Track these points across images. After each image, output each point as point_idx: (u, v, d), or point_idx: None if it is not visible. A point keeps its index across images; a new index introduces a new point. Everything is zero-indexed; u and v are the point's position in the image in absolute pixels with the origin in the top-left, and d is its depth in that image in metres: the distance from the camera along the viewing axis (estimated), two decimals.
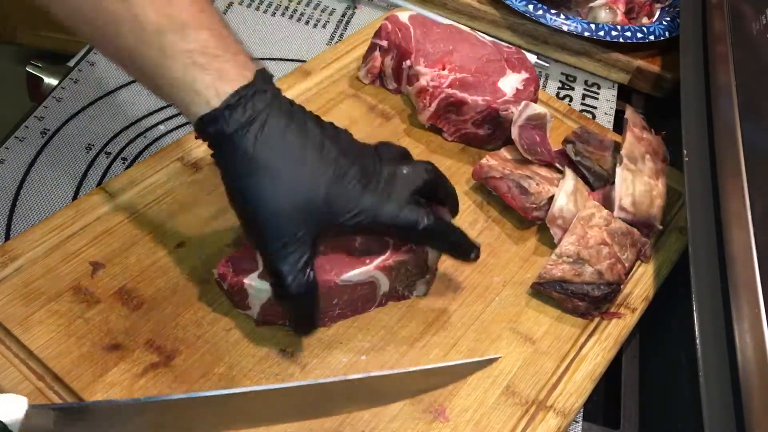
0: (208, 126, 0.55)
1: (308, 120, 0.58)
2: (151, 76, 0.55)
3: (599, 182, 0.77)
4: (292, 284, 0.56)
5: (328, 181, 0.56)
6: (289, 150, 0.56)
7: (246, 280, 0.61)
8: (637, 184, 0.74)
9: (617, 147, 0.80)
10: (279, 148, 0.55)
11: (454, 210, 0.67)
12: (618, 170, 0.75)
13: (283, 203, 0.55)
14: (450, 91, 0.81)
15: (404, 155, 0.64)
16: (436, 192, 0.64)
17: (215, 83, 0.54)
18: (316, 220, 0.56)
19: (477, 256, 0.65)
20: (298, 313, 0.60)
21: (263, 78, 0.56)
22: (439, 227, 0.61)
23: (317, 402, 0.58)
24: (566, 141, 0.79)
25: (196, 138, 0.57)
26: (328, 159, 0.57)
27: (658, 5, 1.08)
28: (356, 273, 0.63)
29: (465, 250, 0.65)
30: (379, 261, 0.64)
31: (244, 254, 0.62)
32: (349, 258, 0.63)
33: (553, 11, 0.99)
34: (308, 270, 0.56)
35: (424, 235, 0.60)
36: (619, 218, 0.73)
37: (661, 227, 0.75)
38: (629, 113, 0.81)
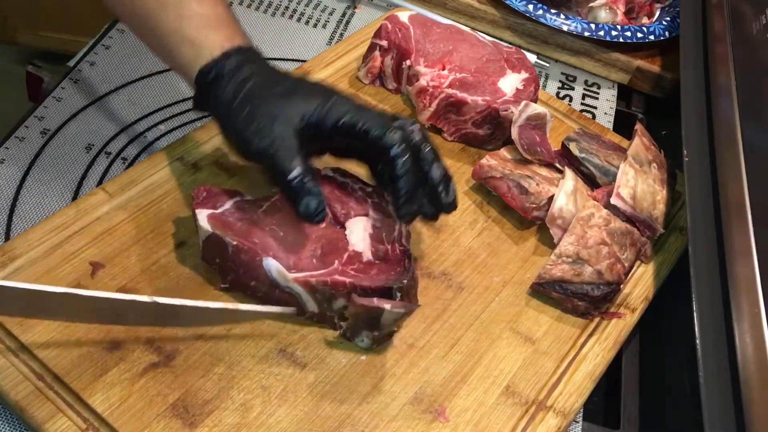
0: (207, 76, 0.63)
1: (288, 71, 0.67)
2: (165, 36, 0.64)
3: (607, 178, 0.76)
4: (288, 163, 0.60)
5: (306, 89, 0.63)
6: (274, 76, 0.64)
7: (197, 209, 0.64)
8: (640, 182, 0.74)
9: (619, 148, 0.80)
10: (268, 76, 0.64)
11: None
12: (621, 165, 0.75)
13: (268, 108, 0.61)
14: (450, 91, 0.81)
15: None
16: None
17: (223, 42, 0.63)
18: (295, 114, 0.61)
19: (452, 207, 0.64)
20: (301, 196, 0.61)
21: (259, 51, 0.67)
22: (422, 140, 0.63)
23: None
24: (568, 139, 0.79)
25: (194, 86, 0.64)
26: (308, 80, 0.65)
27: (658, 5, 1.08)
28: (276, 271, 0.62)
29: (406, 190, 0.63)
30: (302, 274, 0.62)
31: (222, 194, 0.66)
32: (296, 256, 0.64)
33: (553, 11, 0.99)
34: (300, 153, 0.60)
35: (395, 139, 0.62)
36: (615, 206, 0.72)
37: (663, 231, 0.75)
38: (640, 126, 0.81)
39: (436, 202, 0.64)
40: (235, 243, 0.63)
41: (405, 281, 0.63)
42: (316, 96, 0.63)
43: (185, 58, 0.64)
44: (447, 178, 0.64)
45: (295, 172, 0.59)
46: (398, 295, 0.62)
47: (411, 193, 0.63)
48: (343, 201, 0.69)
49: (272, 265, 0.62)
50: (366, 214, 0.68)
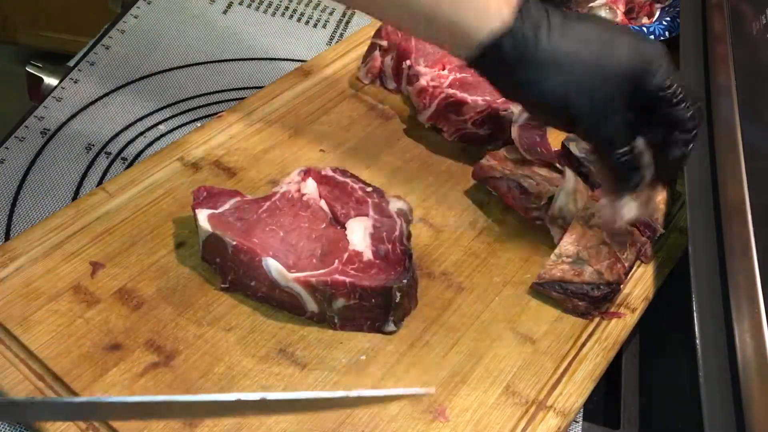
0: (503, 38, 0.57)
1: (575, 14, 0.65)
2: (434, 4, 0.58)
3: None
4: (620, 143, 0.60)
5: (632, 40, 0.60)
6: (578, 35, 0.59)
7: (197, 209, 0.64)
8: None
9: None
10: (583, 24, 0.59)
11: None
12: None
13: (589, 79, 0.58)
14: (450, 91, 0.81)
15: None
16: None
17: (501, 5, 0.57)
18: (623, 83, 0.59)
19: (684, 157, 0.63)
20: (624, 174, 0.61)
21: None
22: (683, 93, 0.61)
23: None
24: (568, 139, 0.78)
25: (472, 64, 0.60)
26: (623, 28, 0.63)
27: (658, 5, 1.08)
28: (276, 271, 0.62)
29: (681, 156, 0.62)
30: (303, 274, 0.62)
31: (222, 194, 0.66)
32: (297, 256, 0.64)
33: None
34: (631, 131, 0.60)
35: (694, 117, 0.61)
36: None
37: (663, 231, 0.75)
38: None
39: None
40: (234, 243, 0.63)
41: (405, 281, 0.63)
42: (639, 54, 0.60)
43: (463, 25, 0.58)
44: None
45: (625, 148, 0.60)
46: (398, 295, 0.62)
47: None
48: (343, 201, 0.69)
49: (272, 264, 0.62)
50: (366, 214, 0.68)
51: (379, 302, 0.63)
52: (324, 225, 0.67)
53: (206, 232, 0.64)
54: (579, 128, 0.62)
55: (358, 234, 0.66)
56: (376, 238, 0.66)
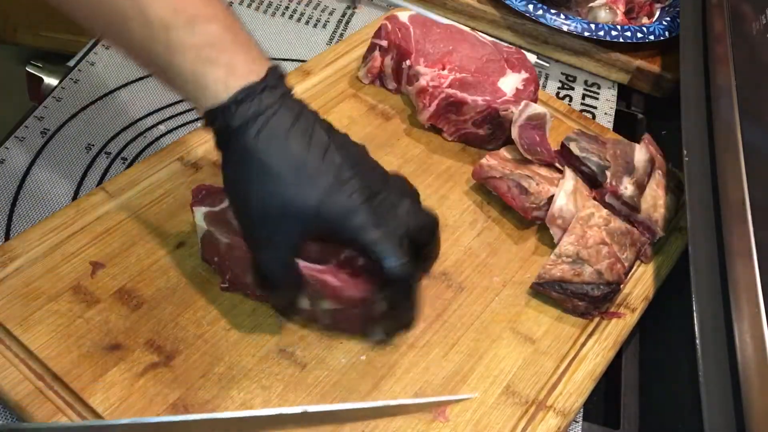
0: (215, 119, 0.55)
1: (316, 123, 0.57)
2: (162, 70, 0.55)
3: (606, 177, 0.76)
4: (271, 277, 0.58)
5: (326, 186, 0.55)
6: (289, 150, 0.55)
7: (195, 207, 0.64)
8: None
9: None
10: (279, 147, 0.55)
11: (426, 269, 0.65)
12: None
13: (273, 201, 0.55)
14: (450, 91, 0.81)
15: (414, 194, 0.62)
16: (425, 243, 0.62)
17: (225, 78, 0.54)
18: (304, 223, 0.55)
19: (408, 328, 0.62)
20: (278, 302, 0.62)
21: (274, 75, 0.56)
22: (409, 279, 0.58)
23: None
24: (568, 139, 0.78)
25: (205, 127, 0.57)
26: (330, 165, 0.55)
27: (658, 5, 1.08)
28: None
29: (406, 320, 0.61)
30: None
31: (221, 192, 0.64)
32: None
33: (553, 11, 0.99)
34: (289, 266, 0.57)
35: (392, 274, 0.56)
36: (611, 194, 0.72)
37: (663, 234, 0.75)
38: (647, 136, 0.81)
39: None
40: (228, 240, 0.62)
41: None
42: (340, 200, 0.55)
43: (187, 94, 0.56)
44: (412, 315, 0.61)
45: (279, 283, 0.58)
46: (383, 305, 0.60)
47: (397, 324, 0.62)
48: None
49: None
50: None
51: (361, 310, 0.61)
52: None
53: (203, 230, 0.64)
54: (241, 228, 0.58)
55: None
56: None
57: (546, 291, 0.70)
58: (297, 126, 0.55)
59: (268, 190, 0.55)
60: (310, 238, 0.58)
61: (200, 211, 0.64)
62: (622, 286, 0.71)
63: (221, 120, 0.54)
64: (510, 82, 0.83)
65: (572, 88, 1.01)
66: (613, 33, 0.98)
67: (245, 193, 0.56)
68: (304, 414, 0.52)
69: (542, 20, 0.99)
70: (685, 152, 0.73)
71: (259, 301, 0.65)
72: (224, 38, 0.54)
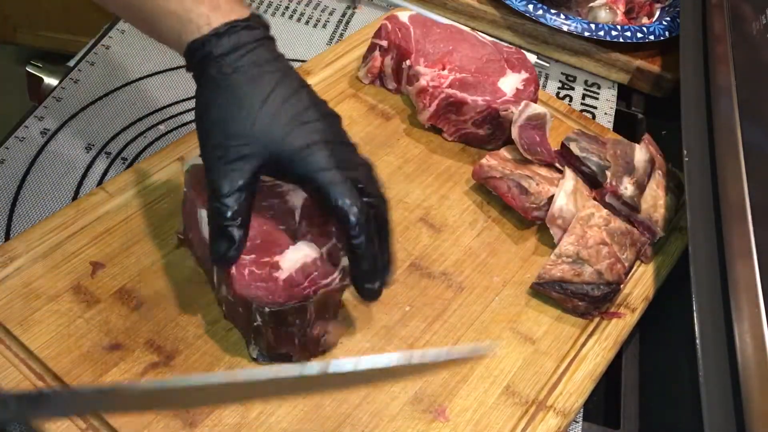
0: (196, 52, 0.58)
1: (293, 71, 0.60)
2: (148, 11, 0.59)
3: (606, 177, 0.76)
4: (222, 208, 0.56)
5: (289, 121, 0.57)
6: (262, 81, 0.58)
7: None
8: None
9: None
10: (253, 77, 0.57)
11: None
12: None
13: (237, 127, 0.57)
14: (450, 91, 0.81)
15: (371, 165, 0.62)
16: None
17: (208, 13, 0.57)
18: (262, 151, 0.57)
19: (379, 291, 0.59)
20: (219, 235, 0.57)
21: (257, 19, 0.60)
22: (366, 215, 0.57)
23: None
24: (568, 139, 0.78)
25: (187, 66, 0.59)
26: (299, 103, 0.58)
27: (658, 5, 1.08)
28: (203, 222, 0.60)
29: (370, 267, 0.58)
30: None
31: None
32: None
33: (553, 11, 0.99)
34: (243, 193, 0.56)
35: (344, 214, 0.56)
36: (611, 194, 0.72)
37: (663, 234, 0.75)
38: (647, 137, 0.81)
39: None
40: (185, 190, 0.64)
41: (267, 310, 0.58)
42: (302, 136, 0.57)
43: (171, 32, 0.59)
44: (391, 265, 0.60)
45: (227, 213, 0.56)
46: (258, 319, 0.58)
47: (371, 272, 0.58)
48: (315, 223, 0.63)
49: (203, 216, 0.60)
50: (318, 246, 0.62)
51: (245, 314, 0.59)
52: (283, 228, 0.62)
53: (183, 191, 0.64)
54: (204, 153, 0.59)
55: (293, 258, 0.61)
56: (303, 272, 0.60)
57: (546, 291, 0.70)
58: (273, 64, 0.59)
59: (233, 114, 0.57)
60: (267, 172, 0.58)
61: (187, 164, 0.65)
62: (622, 286, 0.71)
63: (201, 51, 0.57)
64: (510, 82, 0.83)
65: (572, 88, 1.01)
66: (613, 33, 0.98)
67: (212, 116, 0.57)
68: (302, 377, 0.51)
69: (542, 20, 0.99)
70: (685, 152, 0.73)
71: (202, 267, 0.65)
72: None
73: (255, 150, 0.57)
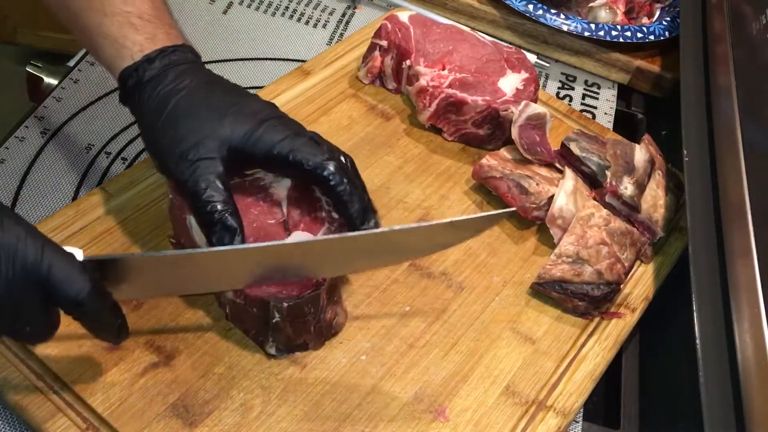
0: (128, 78, 0.60)
1: (222, 77, 0.63)
2: (89, 29, 0.62)
3: (606, 177, 0.76)
4: (207, 193, 0.57)
5: (234, 111, 0.59)
6: (198, 91, 0.60)
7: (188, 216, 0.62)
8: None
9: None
10: (196, 90, 0.60)
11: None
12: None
13: (189, 135, 0.58)
14: (450, 91, 0.81)
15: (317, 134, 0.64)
16: None
17: (143, 42, 0.60)
18: (220, 144, 0.58)
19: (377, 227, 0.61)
20: (218, 228, 0.58)
21: (190, 49, 0.63)
22: (338, 163, 0.60)
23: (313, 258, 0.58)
24: (568, 139, 0.78)
25: (120, 95, 0.62)
26: (236, 97, 0.61)
27: (658, 5, 1.08)
28: (195, 228, 0.61)
29: (361, 205, 0.60)
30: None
31: None
32: None
33: (553, 11, 0.99)
34: (221, 183, 0.58)
35: (328, 172, 0.59)
36: (611, 194, 0.73)
37: (663, 234, 0.75)
38: (647, 137, 0.81)
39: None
40: (171, 197, 0.63)
41: (286, 305, 0.58)
42: (247, 120, 0.59)
43: (108, 58, 0.61)
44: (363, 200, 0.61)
45: (216, 206, 0.57)
46: (276, 315, 0.59)
47: (364, 210, 0.60)
48: (303, 211, 0.64)
49: (193, 222, 0.61)
50: (314, 234, 0.63)
51: (259, 314, 0.60)
52: (273, 221, 0.63)
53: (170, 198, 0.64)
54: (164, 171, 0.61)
55: None
56: None
57: (546, 291, 0.70)
58: (212, 77, 0.62)
59: (180, 126, 0.59)
60: (236, 164, 0.59)
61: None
62: (622, 286, 0.71)
63: (134, 78, 0.60)
64: (510, 82, 0.83)
65: (572, 88, 1.01)
66: (613, 33, 0.98)
67: (161, 136, 0.59)
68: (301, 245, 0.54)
69: (542, 20, 0.99)
70: (685, 152, 0.73)
71: None
72: (153, 15, 0.62)
73: (213, 146, 0.58)
